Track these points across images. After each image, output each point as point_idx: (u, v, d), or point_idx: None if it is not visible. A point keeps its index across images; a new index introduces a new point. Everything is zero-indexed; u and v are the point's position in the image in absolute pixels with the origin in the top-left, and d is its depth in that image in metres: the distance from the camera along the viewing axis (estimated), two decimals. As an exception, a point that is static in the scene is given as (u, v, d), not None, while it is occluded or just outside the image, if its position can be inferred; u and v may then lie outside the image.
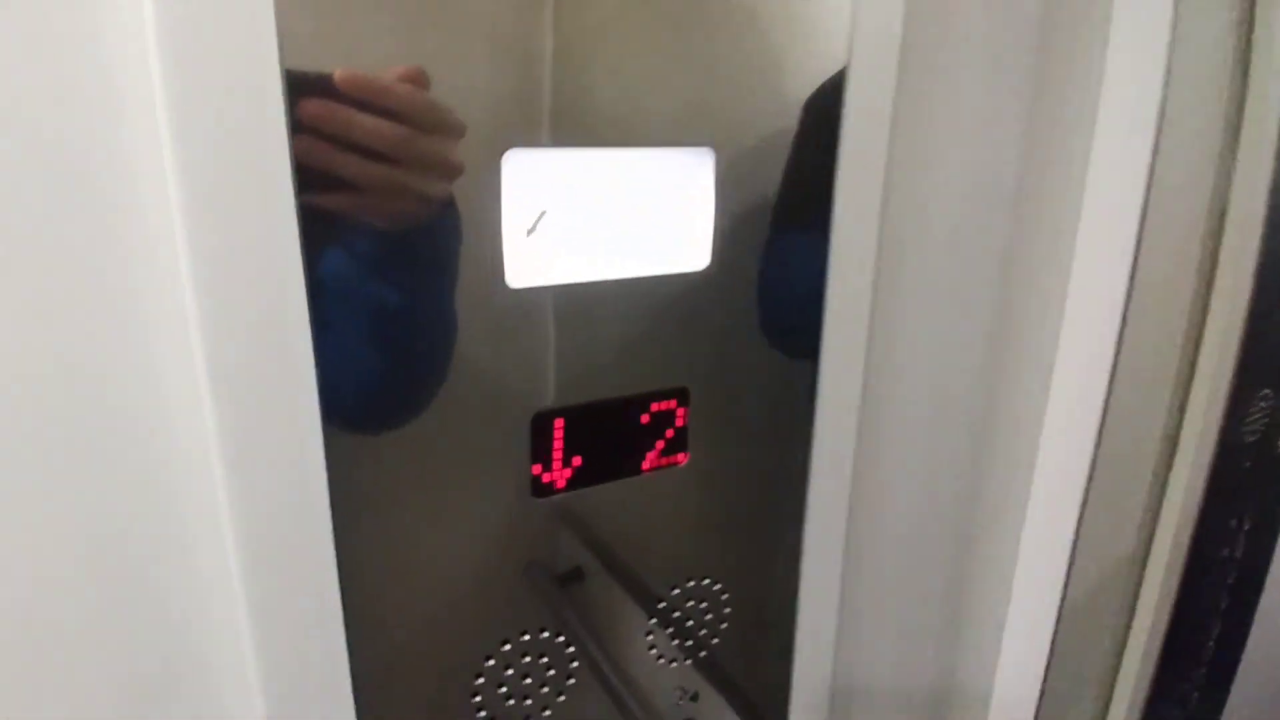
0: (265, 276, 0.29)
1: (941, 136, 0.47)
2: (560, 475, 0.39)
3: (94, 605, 0.32)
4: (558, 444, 0.38)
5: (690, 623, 0.46)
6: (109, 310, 0.29)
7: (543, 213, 0.35)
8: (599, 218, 0.36)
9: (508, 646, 0.40)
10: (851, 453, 0.50)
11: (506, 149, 0.33)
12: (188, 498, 0.32)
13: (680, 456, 0.42)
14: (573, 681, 0.43)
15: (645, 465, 0.42)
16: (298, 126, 0.29)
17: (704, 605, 0.47)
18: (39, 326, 0.28)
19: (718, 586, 0.47)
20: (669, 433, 0.42)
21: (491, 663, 0.40)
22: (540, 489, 0.39)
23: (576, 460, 0.39)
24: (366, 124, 0.31)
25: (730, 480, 0.45)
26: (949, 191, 0.49)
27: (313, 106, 0.29)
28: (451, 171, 0.33)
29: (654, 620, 0.45)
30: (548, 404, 0.37)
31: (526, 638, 0.41)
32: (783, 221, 0.41)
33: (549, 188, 0.35)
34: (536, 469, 0.38)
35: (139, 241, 0.29)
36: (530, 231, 0.35)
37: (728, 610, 0.48)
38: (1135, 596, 0.63)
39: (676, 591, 0.45)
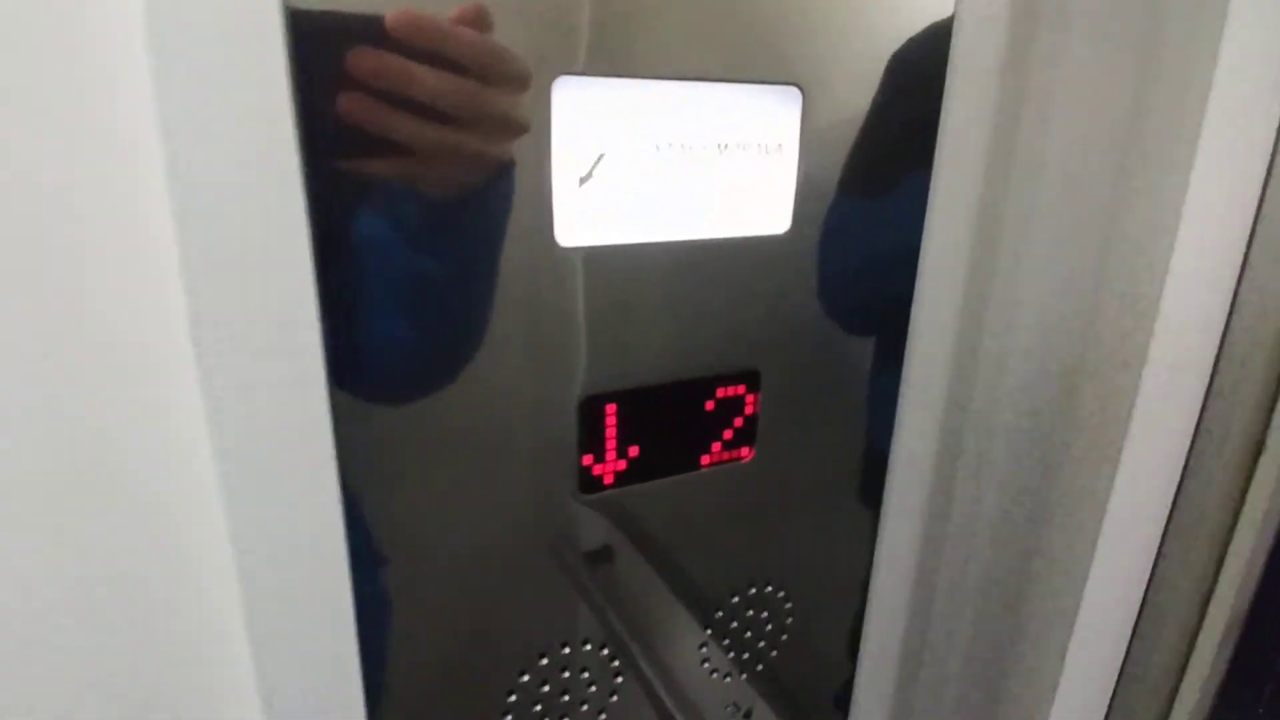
0: (268, 253, 0.24)
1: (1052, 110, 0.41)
2: (612, 469, 0.34)
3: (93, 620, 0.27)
4: (610, 432, 0.33)
5: (749, 633, 0.41)
6: (103, 304, 0.24)
7: (600, 156, 0.29)
8: (665, 167, 0.30)
9: (545, 660, 0.35)
10: (933, 452, 0.44)
11: (556, 76, 0.27)
12: (189, 494, 0.27)
13: (744, 451, 0.37)
14: (615, 699, 0.38)
15: (705, 460, 0.36)
16: (338, 80, 0.24)
17: (765, 615, 0.41)
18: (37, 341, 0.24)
19: (781, 594, 0.41)
20: (737, 422, 0.36)
21: (526, 678, 0.35)
22: (589, 483, 0.33)
23: (633, 451, 0.34)
24: (425, 78, 0.25)
25: (800, 477, 0.39)
26: (1056, 162, 0.42)
27: (358, 57, 0.24)
28: (515, 130, 0.27)
29: (709, 630, 0.40)
30: (600, 386, 0.32)
31: (566, 650, 0.36)
32: (854, 186, 0.35)
33: (607, 126, 0.29)
34: (587, 460, 0.33)
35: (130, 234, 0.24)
36: (585, 180, 0.29)
37: (789, 620, 0.42)
38: (1203, 612, 0.57)
39: (736, 599, 0.40)
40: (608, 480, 0.34)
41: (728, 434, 0.36)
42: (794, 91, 0.32)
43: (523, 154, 0.27)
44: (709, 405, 0.35)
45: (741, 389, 0.36)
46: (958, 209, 0.38)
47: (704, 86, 0.30)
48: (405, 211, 0.27)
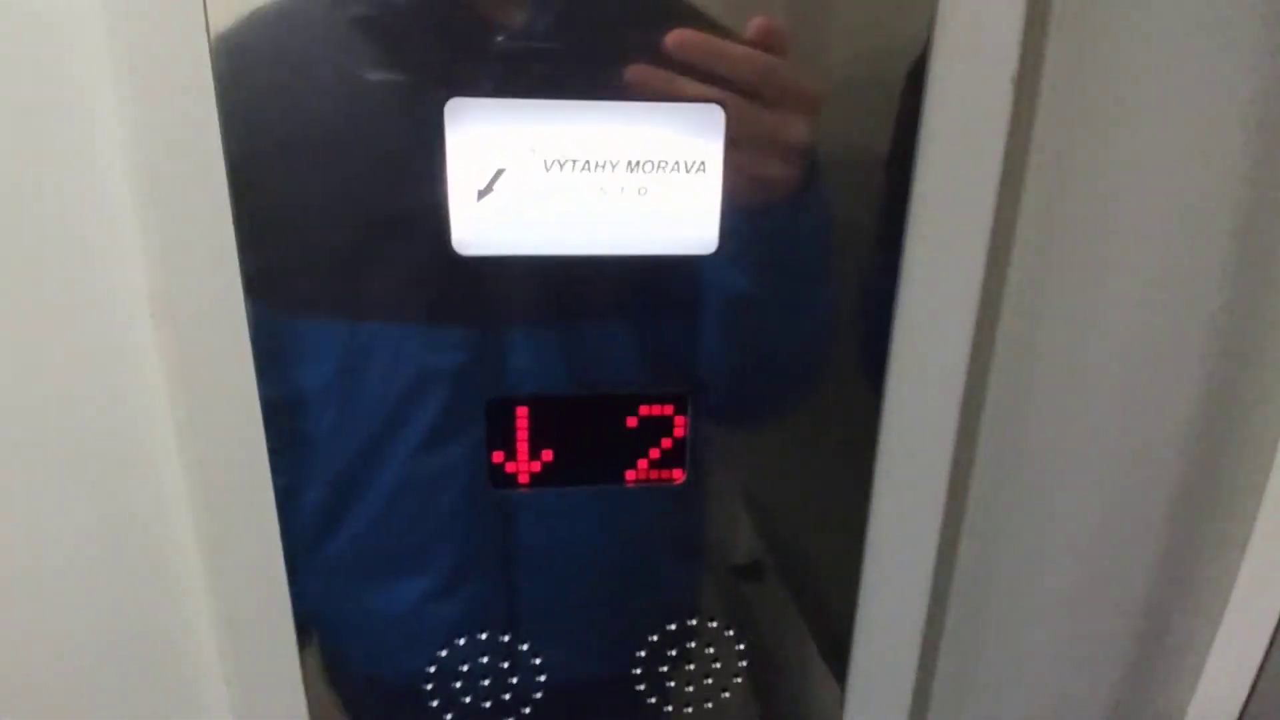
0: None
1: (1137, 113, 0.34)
2: (526, 469, 0.35)
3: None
4: (522, 434, 0.35)
5: (691, 666, 0.40)
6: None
7: (499, 171, 0.31)
8: (570, 184, 0.31)
9: (463, 641, 0.38)
10: (939, 510, 0.39)
11: (450, 98, 0.29)
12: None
13: (676, 473, 0.36)
14: (540, 697, 0.39)
15: (631, 475, 0.36)
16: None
17: (710, 650, 0.40)
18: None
19: (730, 632, 0.40)
20: (665, 443, 0.36)
21: (445, 654, 0.38)
22: (500, 479, 0.35)
23: (546, 454, 0.35)
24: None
25: (737, 510, 0.37)
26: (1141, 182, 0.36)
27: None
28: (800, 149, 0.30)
29: (635, 669, 0.39)
30: (507, 391, 0.34)
31: (483, 636, 0.38)
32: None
33: (505, 144, 0.30)
34: (498, 457, 0.35)
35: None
36: (484, 193, 0.31)
37: (742, 663, 0.40)
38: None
39: (659, 637, 0.39)
40: (522, 479, 0.35)
41: (654, 453, 0.36)
42: (715, 110, 0.31)
43: (419, 166, 0.30)
44: (631, 422, 0.35)
45: (668, 409, 0.35)
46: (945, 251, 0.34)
47: (613, 106, 0.30)
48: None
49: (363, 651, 0.37)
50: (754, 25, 0.28)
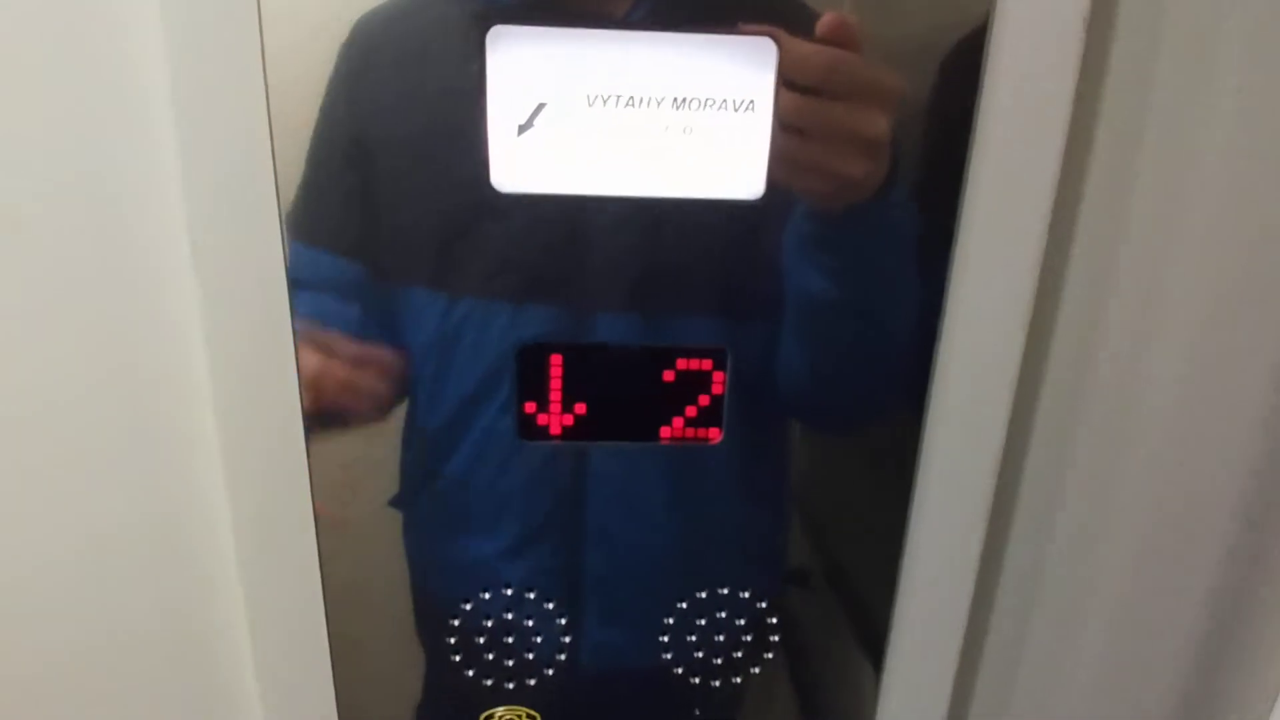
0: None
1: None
2: (559, 420, 0.34)
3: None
4: (555, 384, 0.34)
5: (720, 637, 0.39)
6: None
7: (540, 105, 0.30)
8: (612, 120, 0.30)
9: (486, 594, 0.37)
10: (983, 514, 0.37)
11: (492, 25, 0.28)
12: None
13: (712, 432, 0.35)
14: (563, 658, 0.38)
15: (665, 433, 0.35)
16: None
17: (741, 621, 0.38)
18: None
19: (762, 604, 0.38)
20: (702, 399, 0.34)
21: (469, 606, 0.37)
22: (531, 430, 0.34)
23: (579, 407, 0.34)
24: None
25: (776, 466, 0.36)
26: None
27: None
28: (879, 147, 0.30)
29: (666, 636, 0.38)
30: (542, 336, 0.33)
31: (508, 591, 0.37)
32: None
33: (548, 77, 0.29)
34: (530, 407, 0.34)
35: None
36: (524, 128, 0.30)
37: (773, 637, 0.39)
38: None
39: (687, 604, 0.38)
40: (554, 430, 0.34)
41: (690, 410, 0.34)
42: (767, 44, 0.29)
43: (458, 98, 0.29)
44: (667, 375, 0.34)
45: (707, 364, 0.34)
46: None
47: (660, 37, 0.29)
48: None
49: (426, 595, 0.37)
50: (824, 22, 0.28)
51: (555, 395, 0.34)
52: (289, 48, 0.28)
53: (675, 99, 0.30)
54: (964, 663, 0.40)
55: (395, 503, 0.35)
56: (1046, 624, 0.42)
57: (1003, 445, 0.35)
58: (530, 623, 0.37)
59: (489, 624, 0.37)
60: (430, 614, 0.37)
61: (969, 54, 0.29)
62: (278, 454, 0.33)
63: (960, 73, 0.30)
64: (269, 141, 0.29)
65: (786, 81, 0.29)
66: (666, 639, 0.38)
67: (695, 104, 0.30)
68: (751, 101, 0.30)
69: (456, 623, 0.37)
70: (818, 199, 0.31)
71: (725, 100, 0.30)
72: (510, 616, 0.37)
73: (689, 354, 0.34)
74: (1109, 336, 0.36)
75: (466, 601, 0.37)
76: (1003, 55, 0.29)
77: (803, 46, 0.28)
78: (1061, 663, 0.43)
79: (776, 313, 0.33)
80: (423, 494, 0.35)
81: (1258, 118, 0.32)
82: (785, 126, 0.30)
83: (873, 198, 0.30)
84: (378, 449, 0.34)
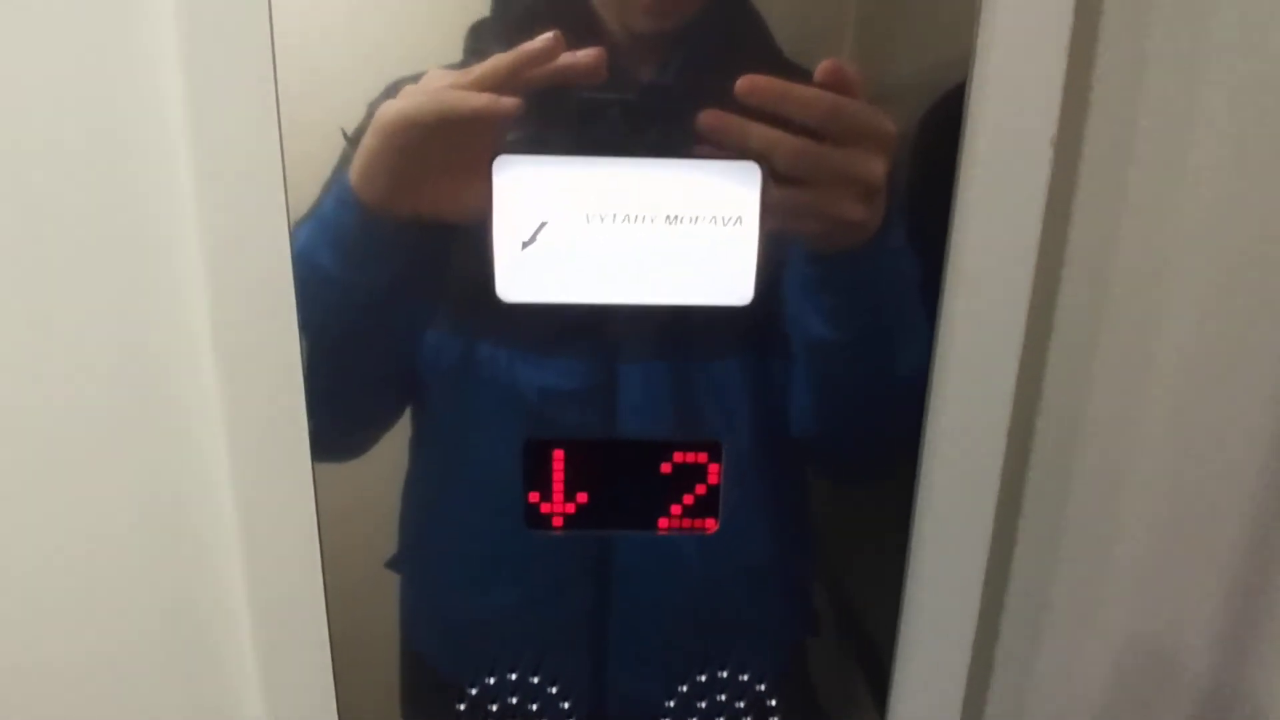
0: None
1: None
2: (561, 510, 0.36)
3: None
4: (558, 476, 0.35)
5: (721, 718, 0.39)
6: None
7: (543, 224, 0.32)
8: (610, 236, 0.32)
9: (491, 679, 0.38)
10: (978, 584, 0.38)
11: (497, 154, 0.31)
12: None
13: (708, 522, 0.36)
14: (569, 739, 0.39)
15: (663, 523, 0.36)
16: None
17: (740, 705, 0.39)
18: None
19: (761, 686, 0.39)
20: (699, 489, 0.36)
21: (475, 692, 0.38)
22: (536, 519, 0.36)
23: (581, 497, 0.36)
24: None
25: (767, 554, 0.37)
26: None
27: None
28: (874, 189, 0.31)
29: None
30: (546, 432, 0.35)
31: (512, 676, 0.38)
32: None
33: (549, 198, 0.32)
34: (533, 497, 0.36)
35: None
36: (528, 244, 0.32)
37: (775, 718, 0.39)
38: None
39: (688, 687, 0.39)
40: (556, 522, 0.36)
41: (688, 499, 0.36)
42: (752, 167, 0.32)
43: (469, 217, 0.32)
44: (664, 468, 0.35)
45: (702, 457, 0.35)
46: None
47: (651, 163, 0.32)
48: None
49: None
50: (823, 68, 0.29)
51: (558, 487, 0.36)
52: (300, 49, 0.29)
53: (668, 216, 0.32)
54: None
55: (392, 565, 0.36)
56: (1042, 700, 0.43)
57: (995, 505, 0.37)
58: (535, 707, 0.38)
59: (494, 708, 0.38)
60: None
61: (954, 98, 0.31)
62: (287, 482, 0.35)
63: (947, 117, 0.31)
64: (278, 147, 0.30)
65: (788, 126, 0.30)
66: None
67: (686, 220, 0.32)
68: (739, 217, 0.32)
69: (462, 707, 0.38)
70: (819, 242, 0.32)
71: (714, 216, 0.32)
72: (515, 701, 0.38)
73: (685, 447, 0.35)
74: (1104, 364, 0.38)
75: (473, 687, 0.38)
76: (985, 102, 0.31)
77: (804, 92, 0.29)
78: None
79: (771, 406, 0.35)
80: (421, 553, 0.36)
81: (1243, 159, 0.34)
82: (787, 172, 0.31)
83: (873, 239, 0.32)
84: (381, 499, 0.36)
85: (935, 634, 0.38)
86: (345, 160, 0.30)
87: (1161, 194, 0.35)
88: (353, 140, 0.30)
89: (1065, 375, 0.38)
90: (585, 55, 0.29)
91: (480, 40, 0.29)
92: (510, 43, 0.29)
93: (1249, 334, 0.36)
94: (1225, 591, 0.41)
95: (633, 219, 0.32)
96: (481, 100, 0.29)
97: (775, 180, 0.31)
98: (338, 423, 0.34)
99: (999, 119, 0.31)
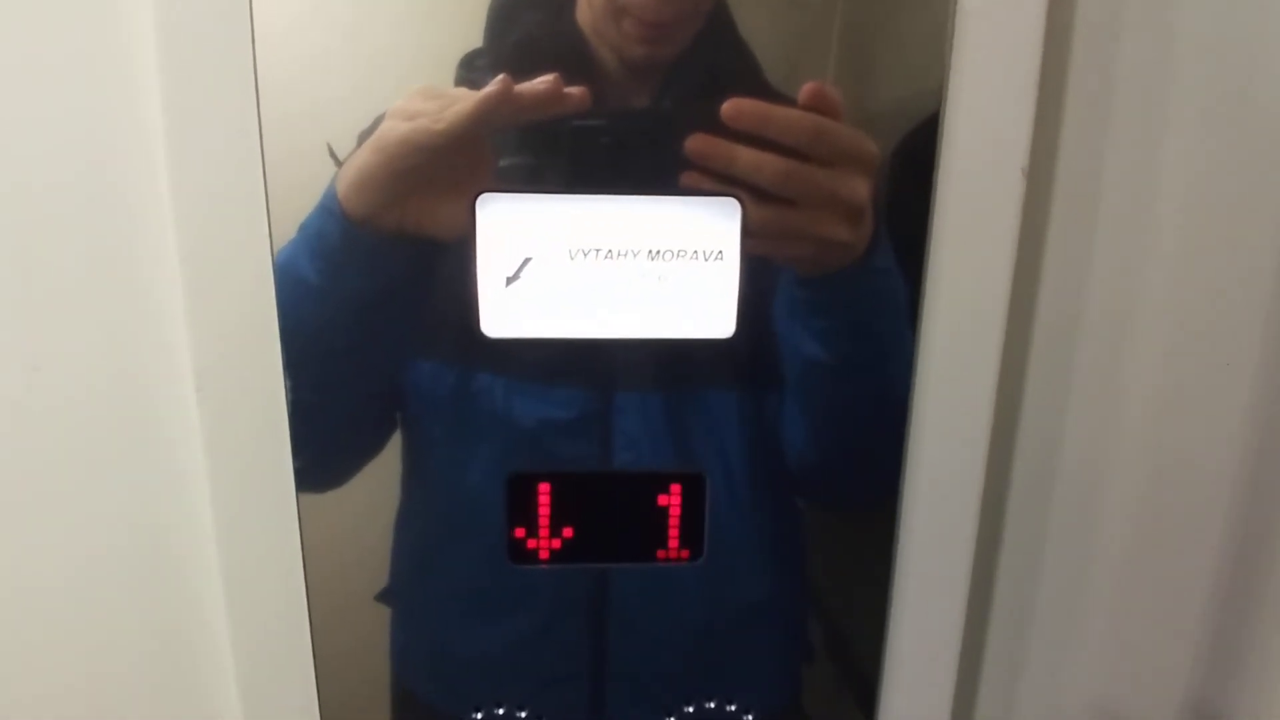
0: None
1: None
2: (546, 545, 0.36)
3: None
4: (543, 510, 0.35)
5: (711, 751, 0.39)
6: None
7: (526, 260, 0.32)
8: (593, 271, 0.33)
9: (479, 716, 0.38)
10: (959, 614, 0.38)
11: (480, 192, 0.31)
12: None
13: (694, 553, 0.36)
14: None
15: (657, 555, 0.36)
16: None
17: (729, 734, 0.39)
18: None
19: (748, 716, 0.39)
20: (683, 521, 0.36)
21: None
22: (521, 554, 0.36)
23: (567, 531, 0.36)
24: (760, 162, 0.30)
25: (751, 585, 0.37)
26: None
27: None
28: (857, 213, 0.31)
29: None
30: (529, 466, 0.35)
31: (499, 711, 0.38)
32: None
33: (532, 235, 0.32)
34: (519, 532, 0.36)
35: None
36: (512, 280, 0.32)
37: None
38: None
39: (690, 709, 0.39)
40: (542, 555, 0.36)
41: (674, 531, 0.36)
42: (732, 203, 0.32)
43: (453, 253, 0.32)
44: (652, 500, 0.36)
45: (687, 488, 0.35)
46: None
47: (634, 200, 0.32)
48: None
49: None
50: (806, 90, 0.29)
51: (544, 520, 0.35)
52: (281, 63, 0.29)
53: (650, 251, 0.33)
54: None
55: (383, 598, 0.36)
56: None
57: (975, 534, 0.37)
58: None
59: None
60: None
61: (930, 122, 0.32)
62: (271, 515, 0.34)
63: (926, 143, 0.32)
64: (262, 182, 0.30)
65: (774, 149, 0.30)
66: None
67: (669, 255, 0.33)
68: (720, 251, 0.33)
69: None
70: (807, 265, 0.32)
71: (696, 251, 0.33)
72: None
73: (670, 479, 0.35)
74: (1080, 381, 0.38)
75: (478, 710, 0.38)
76: (957, 131, 0.32)
77: (788, 113, 0.30)
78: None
79: (758, 436, 0.35)
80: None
81: (1213, 184, 0.35)
82: (774, 194, 0.31)
83: (860, 260, 0.32)
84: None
85: (920, 658, 0.39)
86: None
87: (1133, 219, 0.36)
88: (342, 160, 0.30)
89: (1043, 393, 0.39)
90: (575, 91, 0.29)
91: (472, 70, 0.29)
92: (503, 73, 0.29)
93: (1221, 352, 0.37)
94: (1206, 598, 0.41)
95: (616, 254, 0.32)
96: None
97: (762, 203, 0.31)
98: (321, 452, 0.34)
99: (971, 148, 0.32)
